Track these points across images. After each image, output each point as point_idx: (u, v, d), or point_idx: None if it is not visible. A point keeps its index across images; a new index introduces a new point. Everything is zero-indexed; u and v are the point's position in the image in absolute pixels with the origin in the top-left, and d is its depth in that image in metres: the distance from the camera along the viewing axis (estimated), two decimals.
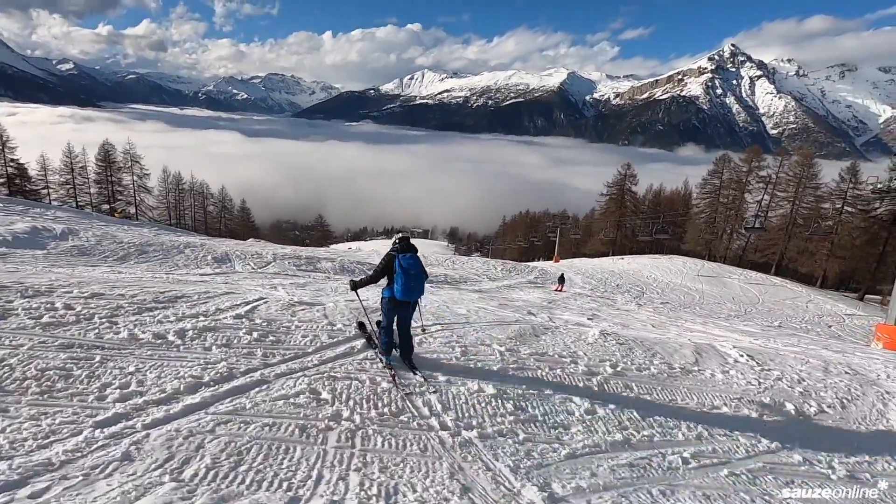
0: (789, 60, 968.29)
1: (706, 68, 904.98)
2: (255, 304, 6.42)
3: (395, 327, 5.38)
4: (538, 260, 59.99)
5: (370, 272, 5.52)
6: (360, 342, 5.42)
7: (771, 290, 30.31)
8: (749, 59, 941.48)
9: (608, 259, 40.53)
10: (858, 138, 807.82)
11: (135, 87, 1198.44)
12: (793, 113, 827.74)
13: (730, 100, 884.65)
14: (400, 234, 5.45)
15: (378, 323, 5.62)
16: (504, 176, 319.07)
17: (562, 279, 22.92)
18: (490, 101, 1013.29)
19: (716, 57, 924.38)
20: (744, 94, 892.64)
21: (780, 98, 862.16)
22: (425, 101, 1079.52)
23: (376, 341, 5.62)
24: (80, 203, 41.65)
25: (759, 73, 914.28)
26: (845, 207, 34.01)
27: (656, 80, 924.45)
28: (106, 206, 42.22)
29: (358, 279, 5.55)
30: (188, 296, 6.35)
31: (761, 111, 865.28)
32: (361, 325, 6.22)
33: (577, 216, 69.70)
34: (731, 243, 41.54)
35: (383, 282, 5.32)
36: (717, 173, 42.32)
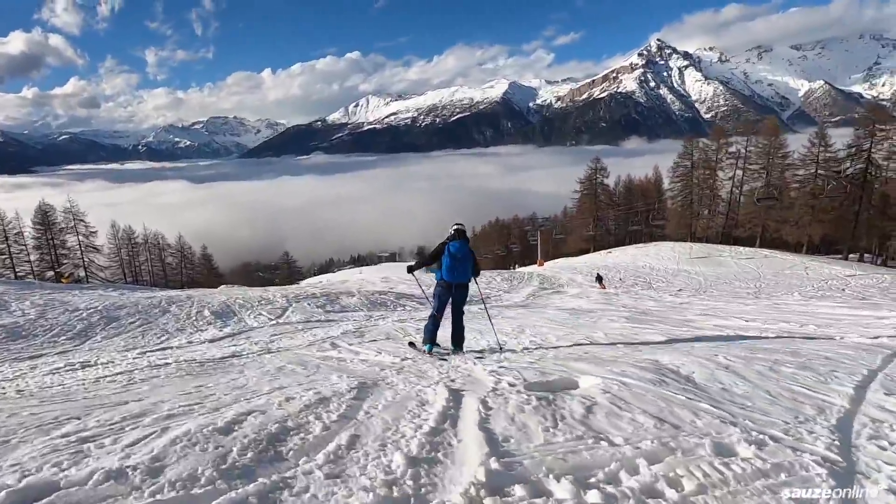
0: (711, 48, 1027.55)
1: (637, 64, 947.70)
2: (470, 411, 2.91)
3: (445, 316, 5.61)
4: (515, 267, 59.00)
5: (422, 258, 5.91)
6: None
7: (765, 262, 30.01)
8: (675, 51, 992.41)
9: (595, 255, 39.77)
10: (784, 113, 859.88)
11: (69, 147, 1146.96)
12: (722, 97, 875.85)
13: (663, 91, 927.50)
14: (455, 226, 5.67)
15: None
16: (461, 189, 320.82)
17: (600, 278, 23.60)
18: (437, 119, 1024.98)
19: (644, 52, 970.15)
20: (675, 84, 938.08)
21: (708, 84, 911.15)
22: (373, 125, 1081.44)
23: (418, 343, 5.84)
24: (18, 273, 37.58)
25: (685, 63, 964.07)
26: (819, 171, 34.47)
27: (593, 81, 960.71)
28: (50, 273, 38.27)
29: (413, 262, 6.06)
30: (302, 428, 2.62)
31: (693, 98, 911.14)
32: (412, 344, 6.14)
33: (550, 217, 69.29)
34: (711, 222, 41.59)
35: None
36: (688, 155, 42.51)
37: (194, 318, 9.52)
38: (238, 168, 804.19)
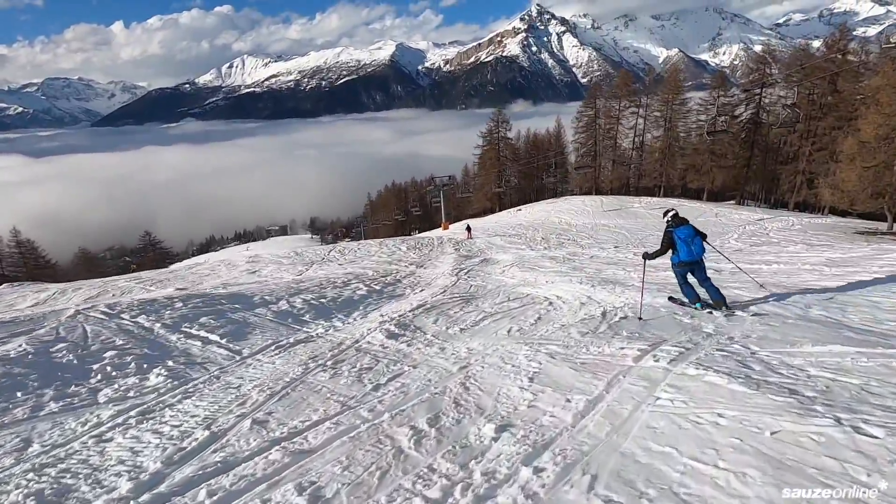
0: (585, 15, 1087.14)
1: (520, 28, 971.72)
2: None
3: (690, 281, 6.22)
4: (414, 232, 55.03)
5: (658, 247, 6.31)
6: None
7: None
8: (553, 16, 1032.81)
9: (504, 213, 36.92)
10: (647, 79, 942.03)
11: None
12: (596, 62, 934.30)
13: (544, 55, 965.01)
14: (672, 211, 6.35)
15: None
16: (354, 156, 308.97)
17: (468, 228, 27.28)
18: (324, 82, 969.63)
19: (526, 17, 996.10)
20: (555, 49, 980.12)
21: (584, 50, 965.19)
22: (252, 89, 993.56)
23: (685, 300, 6.32)
24: None
25: (563, 28, 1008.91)
26: (718, 117, 34.25)
27: (479, 44, 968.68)
28: None
29: (651, 252, 6.49)
30: None
31: (571, 63, 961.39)
32: (671, 298, 6.69)
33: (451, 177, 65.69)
34: (614, 173, 40.55)
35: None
36: (591, 104, 40.71)
37: None
38: (90, 138, 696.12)
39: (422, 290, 9.21)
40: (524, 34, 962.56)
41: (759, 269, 9.19)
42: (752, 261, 10.76)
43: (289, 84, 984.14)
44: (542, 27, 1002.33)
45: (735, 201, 35.71)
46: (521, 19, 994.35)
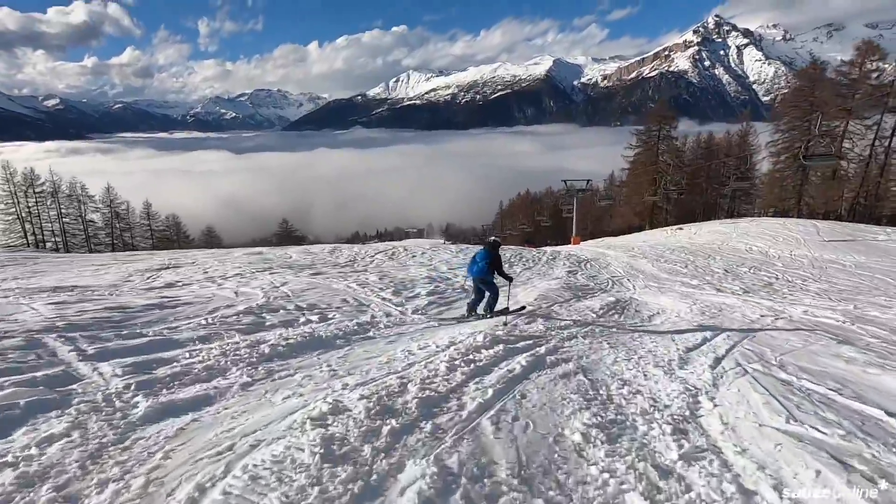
0: (775, 26, 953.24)
1: (692, 41, 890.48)
2: None
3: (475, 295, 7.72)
4: (549, 245, 47.35)
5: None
6: None
7: None
8: (734, 27, 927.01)
9: (656, 232, 27.90)
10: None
11: (122, 115, 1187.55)
12: (783, 78, 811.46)
13: (718, 70, 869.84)
14: (492, 238, 7.81)
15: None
16: (496, 167, 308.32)
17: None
18: (478, 96, 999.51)
19: (700, 29, 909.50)
20: (732, 64, 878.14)
21: (769, 64, 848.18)
22: (413, 101, 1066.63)
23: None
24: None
25: (745, 41, 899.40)
26: None
27: (643, 59, 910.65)
28: None
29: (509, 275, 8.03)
30: None
31: (751, 79, 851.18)
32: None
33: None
34: (829, 191, 28.38)
35: None
36: (806, 92, 29.21)
37: None
38: (278, 140, 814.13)
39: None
40: (696, 48, 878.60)
41: None
42: None
43: (446, 97, 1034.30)
44: (720, 40, 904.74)
45: None
46: (695, 32, 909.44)
